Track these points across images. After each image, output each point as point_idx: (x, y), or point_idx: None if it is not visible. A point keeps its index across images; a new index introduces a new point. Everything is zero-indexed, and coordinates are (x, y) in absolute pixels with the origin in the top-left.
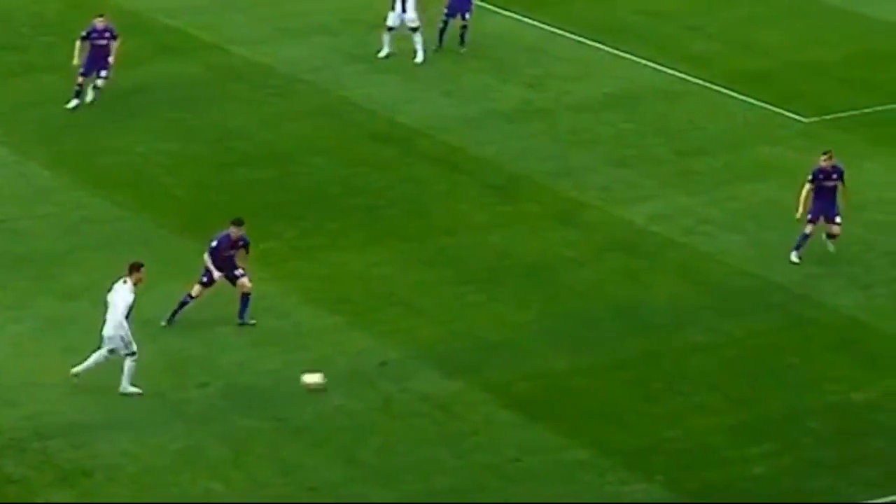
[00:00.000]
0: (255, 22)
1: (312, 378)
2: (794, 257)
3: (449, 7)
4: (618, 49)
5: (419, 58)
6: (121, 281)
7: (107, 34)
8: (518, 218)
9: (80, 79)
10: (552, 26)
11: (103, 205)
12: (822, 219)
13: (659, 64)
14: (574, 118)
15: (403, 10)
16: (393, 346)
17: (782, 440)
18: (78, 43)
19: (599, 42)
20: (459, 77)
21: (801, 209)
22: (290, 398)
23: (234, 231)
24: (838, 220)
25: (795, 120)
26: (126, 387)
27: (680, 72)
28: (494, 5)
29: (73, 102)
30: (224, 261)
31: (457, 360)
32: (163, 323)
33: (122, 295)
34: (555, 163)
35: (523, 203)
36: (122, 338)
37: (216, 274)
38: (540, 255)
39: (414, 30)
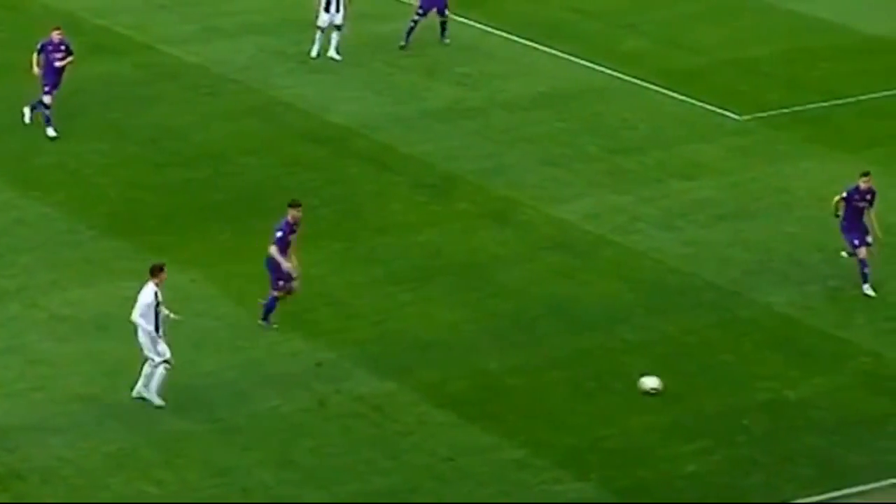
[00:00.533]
0: (187, 21)
1: (650, 382)
2: (867, 290)
3: (423, 5)
4: (550, 47)
5: (335, 55)
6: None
7: (62, 47)
8: (451, 217)
9: (48, 98)
10: (484, 24)
11: (35, 206)
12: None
13: (591, 62)
14: (506, 117)
15: (337, 11)
16: (327, 347)
17: (716, 438)
18: (34, 56)
19: (532, 40)
20: (391, 76)
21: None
22: (225, 400)
23: (293, 214)
24: (869, 239)
25: (729, 118)
26: (141, 390)
27: (612, 70)
28: None
29: (51, 132)
30: (286, 249)
31: (391, 361)
32: (267, 325)
33: (142, 294)
34: (487, 161)
35: (456, 202)
36: (146, 339)
37: (286, 265)
38: (473, 254)
39: (338, 27)
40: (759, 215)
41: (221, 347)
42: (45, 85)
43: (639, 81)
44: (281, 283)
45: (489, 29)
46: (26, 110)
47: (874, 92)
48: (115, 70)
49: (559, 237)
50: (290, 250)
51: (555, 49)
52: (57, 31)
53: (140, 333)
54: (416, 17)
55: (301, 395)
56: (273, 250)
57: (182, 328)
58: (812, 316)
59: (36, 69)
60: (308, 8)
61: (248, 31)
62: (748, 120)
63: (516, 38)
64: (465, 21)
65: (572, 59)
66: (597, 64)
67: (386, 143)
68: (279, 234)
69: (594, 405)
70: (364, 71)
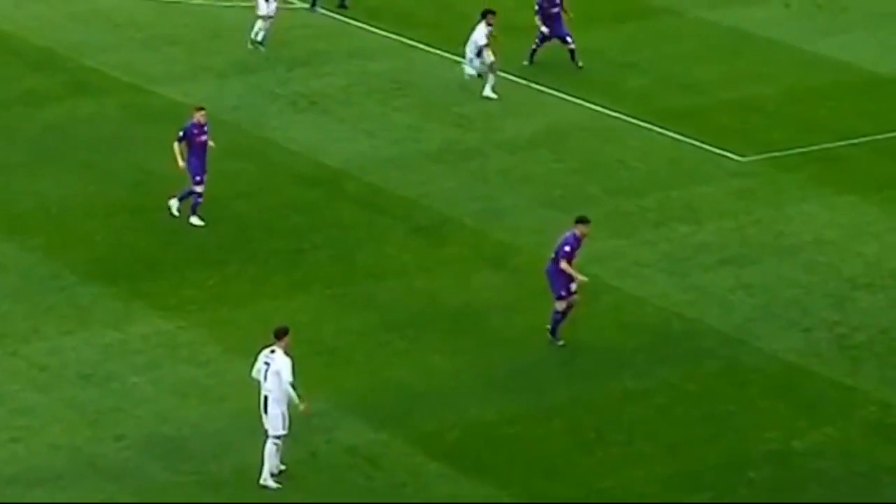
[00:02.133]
0: (173, 61)
1: None
2: None
3: (550, 29)
4: (548, 86)
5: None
6: (267, 351)
7: (206, 128)
8: (446, 261)
9: (200, 188)
10: None
11: (16, 251)
12: None
13: (590, 101)
14: (504, 158)
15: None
16: (318, 396)
17: (719, 490)
18: (176, 145)
19: (527, 79)
20: (385, 116)
21: None
22: (211, 451)
23: (581, 229)
24: None
25: (731, 159)
26: (266, 476)
27: (611, 109)
28: (419, 42)
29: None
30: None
31: (384, 410)
32: (555, 341)
33: (280, 363)
34: (484, 204)
35: (451, 246)
36: (283, 414)
37: (580, 278)
38: (469, 300)
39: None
40: (762, 260)
41: (208, 397)
42: (196, 174)
43: (638, 121)
44: (564, 294)
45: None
46: (174, 203)
47: (882, 132)
48: (100, 110)
49: None
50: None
51: (552, 88)
52: (201, 113)
53: (280, 404)
54: (541, 41)
55: (291, 446)
56: (565, 265)
57: (167, 376)
58: (818, 363)
59: (181, 162)
60: (294, 45)
61: (236, 70)
62: (750, 161)
63: (512, 77)
64: (461, 60)
65: (570, 98)
66: (595, 103)
67: (380, 185)
68: (567, 248)
69: (593, 456)
70: (357, 111)
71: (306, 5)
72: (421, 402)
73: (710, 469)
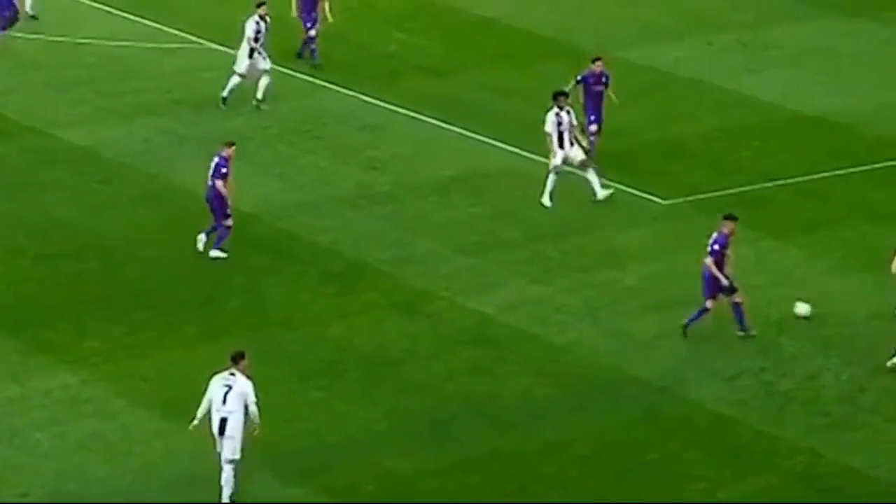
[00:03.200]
0: (77, 103)
1: (802, 309)
2: None
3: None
4: (463, 127)
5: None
6: (226, 373)
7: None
8: (359, 309)
9: (230, 221)
10: (391, 104)
11: None
12: None
13: (506, 143)
14: (417, 202)
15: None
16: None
17: None
18: (219, 183)
19: (442, 120)
20: (294, 159)
21: None
22: None
23: (729, 226)
24: None
25: (654, 202)
26: (227, 500)
27: (529, 151)
28: (330, 83)
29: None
30: (723, 262)
31: (297, 463)
32: (685, 330)
33: (246, 384)
34: (398, 250)
35: (365, 293)
36: (240, 438)
37: (724, 280)
38: (383, 348)
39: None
40: (686, 305)
41: (113, 452)
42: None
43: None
44: (714, 297)
45: (397, 108)
46: (202, 237)
47: (808, 173)
48: (1, 154)
49: (475, 330)
50: (728, 263)
51: (468, 130)
52: (231, 149)
53: (239, 426)
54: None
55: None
56: (709, 261)
57: (71, 432)
58: (744, 412)
59: (223, 188)
60: (203, 87)
61: (142, 112)
62: (674, 204)
63: (426, 118)
64: (370, 100)
65: (486, 140)
66: (511, 144)
67: (290, 230)
68: (716, 246)
69: None
70: (268, 154)
71: (214, 45)
72: (335, 455)
73: None
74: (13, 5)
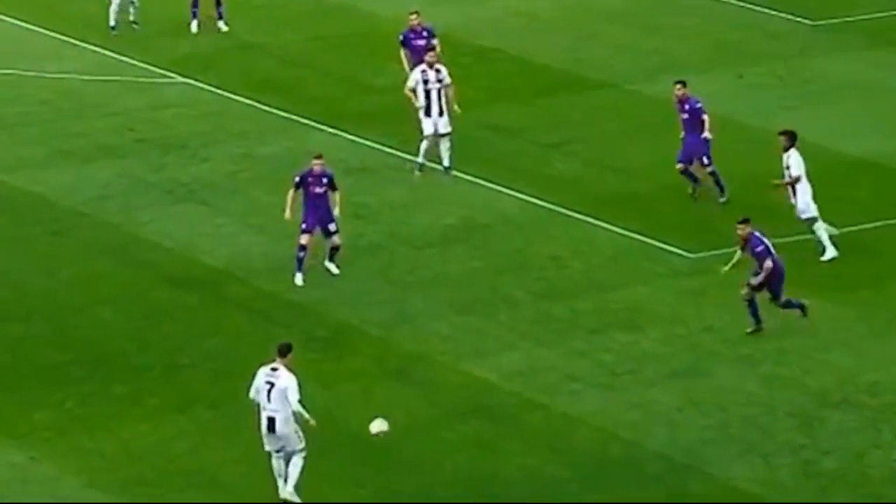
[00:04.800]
0: (27, 143)
1: (378, 427)
2: None
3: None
4: (462, 171)
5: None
6: (268, 368)
7: (324, 179)
8: (346, 377)
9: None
10: (380, 144)
11: None
12: None
13: (511, 188)
14: (412, 255)
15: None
16: None
17: None
18: (290, 192)
19: (438, 162)
20: (271, 208)
21: None
22: None
23: (741, 230)
24: None
25: (678, 255)
26: (291, 489)
27: (537, 197)
28: (313, 120)
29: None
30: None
31: None
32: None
33: (289, 379)
34: (390, 309)
35: (352, 358)
36: (296, 431)
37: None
38: (372, 420)
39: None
40: (715, 372)
41: None
42: (302, 223)
43: (569, 211)
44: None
45: (386, 149)
46: (331, 266)
47: (856, 223)
48: None
49: (476, 400)
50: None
51: (467, 173)
52: (318, 162)
53: (289, 423)
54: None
55: None
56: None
57: None
58: (780, 494)
59: (288, 212)
60: (170, 126)
61: (101, 154)
62: (700, 258)
63: (422, 161)
64: (359, 140)
65: (488, 184)
66: (517, 190)
67: (268, 288)
68: (759, 248)
69: None
70: (242, 201)
71: (183, 79)
72: None
73: None
74: None
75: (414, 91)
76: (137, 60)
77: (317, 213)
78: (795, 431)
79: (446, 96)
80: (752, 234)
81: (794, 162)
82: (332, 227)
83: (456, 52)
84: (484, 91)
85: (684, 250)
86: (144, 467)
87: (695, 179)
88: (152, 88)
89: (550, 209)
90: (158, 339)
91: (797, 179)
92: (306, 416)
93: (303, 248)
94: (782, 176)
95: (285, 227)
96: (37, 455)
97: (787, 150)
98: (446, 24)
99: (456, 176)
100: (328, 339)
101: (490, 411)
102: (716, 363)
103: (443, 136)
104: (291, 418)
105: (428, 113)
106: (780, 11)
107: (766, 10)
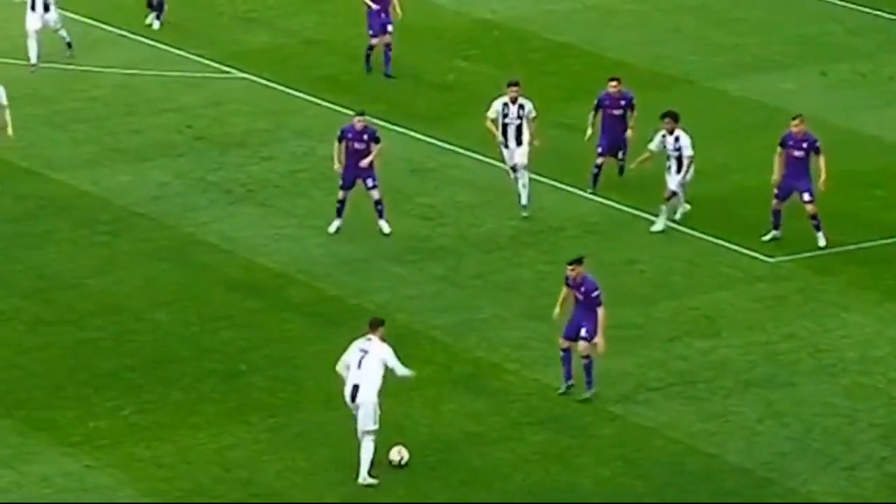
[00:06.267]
0: (82, 142)
1: (398, 454)
2: None
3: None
4: (534, 171)
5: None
6: (362, 340)
7: (365, 136)
8: (413, 385)
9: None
10: (450, 144)
11: None
12: None
13: (583, 189)
14: (481, 258)
15: (45, 10)
16: None
17: None
18: (336, 144)
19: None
20: (333, 209)
21: None
22: None
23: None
24: None
25: (758, 259)
26: (365, 476)
27: (610, 199)
28: (377, 118)
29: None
30: None
31: None
32: None
33: (383, 350)
34: (457, 315)
35: (419, 365)
36: (374, 406)
37: None
38: (440, 431)
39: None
40: (796, 382)
41: None
42: (341, 178)
43: (643, 213)
44: None
45: (457, 149)
46: (382, 224)
47: None
48: None
49: (548, 410)
50: None
51: (540, 174)
52: (359, 119)
53: (371, 393)
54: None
55: None
56: None
57: None
58: None
59: (337, 164)
60: (229, 123)
61: (158, 152)
62: (781, 262)
63: (490, 161)
64: (426, 139)
65: (559, 185)
66: (587, 191)
67: (332, 292)
68: None
69: None
70: (304, 202)
71: (243, 75)
72: None
73: None
74: None
75: (494, 122)
76: (193, 54)
77: (356, 169)
78: (879, 443)
79: (529, 128)
80: (584, 276)
81: (688, 142)
82: (369, 181)
83: (528, 48)
84: (557, 89)
85: (763, 255)
86: (202, 477)
87: (777, 226)
88: (210, 84)
89: (623, 211)
90: (217, 344)
91: (693, 159)
92: (408, 372)
93: (341, 202)
94: (690, 161)
95: (348, 229)
96: (92, 463)
97: (671, 131)
98: (518, 18)
99: (529, 177)
100: (393, 345)
101: (562, 422)
102: (796, 372)
103: (519, 168)
104: (375, 389)
105: (506, 145)
106: (859, 5)
107: (844, 4)
